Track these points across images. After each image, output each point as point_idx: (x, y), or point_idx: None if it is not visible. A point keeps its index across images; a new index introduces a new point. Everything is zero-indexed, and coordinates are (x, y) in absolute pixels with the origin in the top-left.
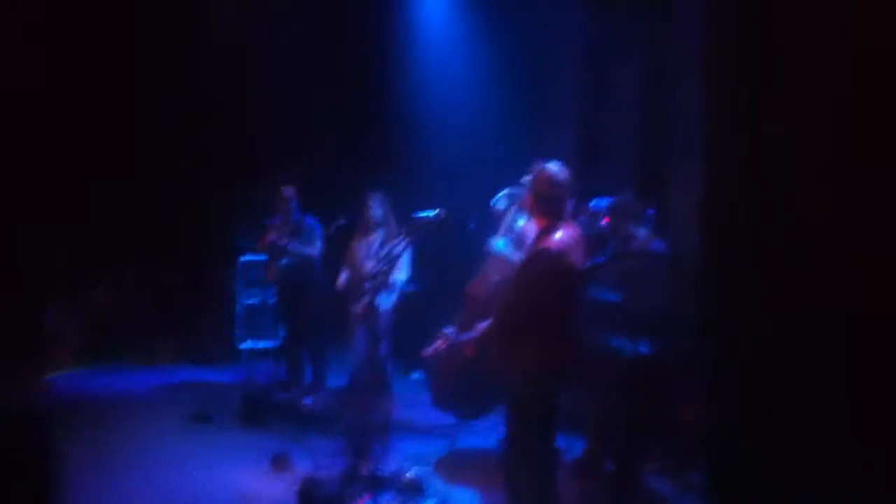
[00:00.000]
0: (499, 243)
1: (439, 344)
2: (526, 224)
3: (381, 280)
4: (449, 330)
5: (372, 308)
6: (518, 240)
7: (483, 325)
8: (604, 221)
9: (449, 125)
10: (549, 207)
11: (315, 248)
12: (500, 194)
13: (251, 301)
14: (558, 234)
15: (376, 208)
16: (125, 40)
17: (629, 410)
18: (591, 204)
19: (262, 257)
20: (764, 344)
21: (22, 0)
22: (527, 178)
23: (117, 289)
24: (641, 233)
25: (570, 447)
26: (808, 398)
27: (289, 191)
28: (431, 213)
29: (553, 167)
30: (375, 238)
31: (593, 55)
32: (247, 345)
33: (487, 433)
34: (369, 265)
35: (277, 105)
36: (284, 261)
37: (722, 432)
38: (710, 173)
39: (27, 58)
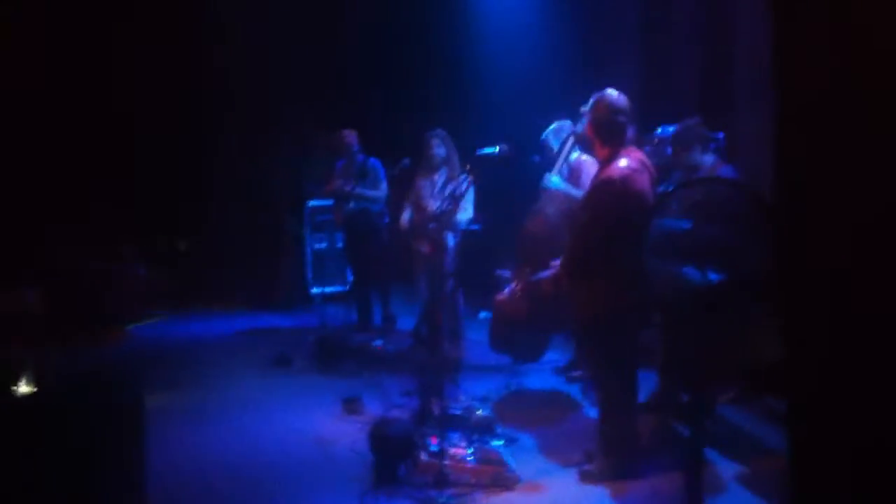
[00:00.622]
0: (553, 178)
1: (515, 285)
2: (580, 158)
3: (445, 219)
4: (504, 272)
5: (438, 247)
6: (573, 174)
7: (558, 262)
8: (670, 150)
9: (511, 58)
10: (609, 135)
11: (380, 191)
12: (550, 128)
13: (319, 246)
14: (622, 162)
15: (438, 146)
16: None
17: (699, 340)
18: (657, 132)
19: (329, 202)
20: (841, 273)
21: None
22: (585, 109)
23: (194, 238)
24: (708, 159)
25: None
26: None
27: (349, 134)
28: (493, 149)
29: (612, 94)
30: (439, 177)
31: None
32: (316, 290)
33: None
34: (433, 204)
35: (336, 51)
36: (351, 205)
37: (799, 360)
38: (782, 100)
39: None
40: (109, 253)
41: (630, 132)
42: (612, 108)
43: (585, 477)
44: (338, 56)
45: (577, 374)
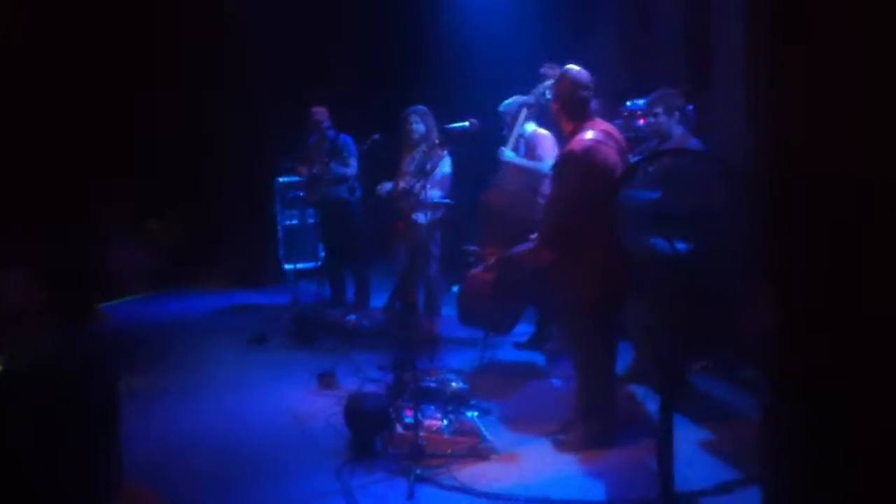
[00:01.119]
0: (507, 152)
1: (488, 259)
2: (535, 131)
3: (414, 195)
4: (472, 247)
5: (408, 223)
6: (528, 146)
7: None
8: (641, 122)
9: (487, 32)
10: (574, 110)
11: (351, 167)
12: (507, 102)
13: (290, 222)
14: (587, 134)
15: (417, 123)
16: None
17: (669, 311)
18: (627, 104)
19: (299, 178)
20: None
21: None
22: (546, 85)
23: (169, 218)
24: (678, 129)
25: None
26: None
27: (319, 111)
28: (464, 124)
29: (574, 69)
30: (418, 153)
31: None
32: (289, 266)
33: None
34: (412, 181)
35: (308, 27)
36: (323, 181)
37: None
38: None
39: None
40: (84, 231)
41: (594, 105)
42: (575, 84)
43: (560, 446)
44: (311, 33)
45: (550, 346)
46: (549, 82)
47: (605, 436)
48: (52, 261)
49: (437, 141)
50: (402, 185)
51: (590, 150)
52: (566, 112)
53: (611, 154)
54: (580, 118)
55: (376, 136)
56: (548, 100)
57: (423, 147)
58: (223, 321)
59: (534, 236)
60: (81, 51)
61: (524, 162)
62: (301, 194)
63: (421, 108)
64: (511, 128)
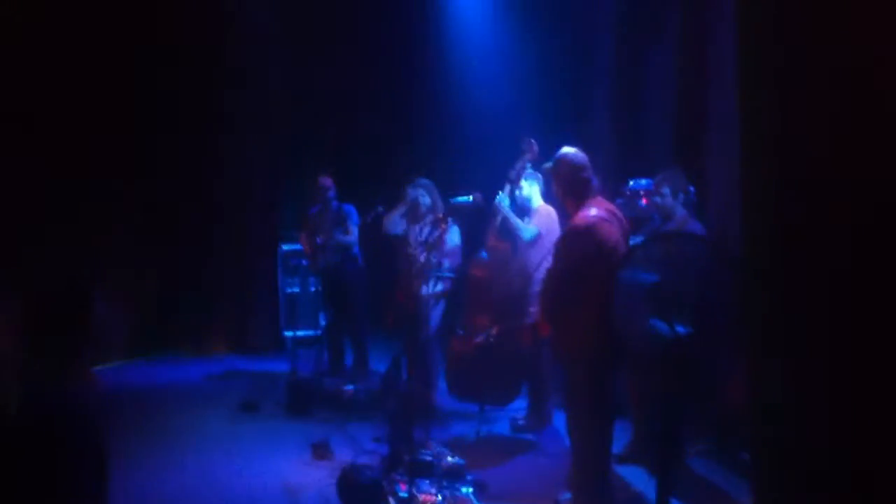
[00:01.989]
0: (504, 199)
1: (488, 331)
2: (540, 204)
3: (430, 266)
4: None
5: (410, 297)
6: (522, 208)
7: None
8: (643, 202)
9: (483, 109)
10: (576, 190)
11: (352, 235)
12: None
13: (292, 290)
14: (591, 211)
15: (424, 196)
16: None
17: (668, 393)
18: (630, 184)
19: (301, 247)
20: (804, 329)
21: None
22: (525, 159)
23: (165, 280)
24: (680, 212)
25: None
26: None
27: (326, 180)
28: (467, 198)
29: (570, 151)
30: (424, 225)
31: (629, 33)
32: (288, 333)
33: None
34: (420, 252)
35: (312, 98)
36: (327, 253)
37: (765, 412)
38: (748, 156)
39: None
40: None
41: (595, 182)
42: (574, 166)
43: None
44: (314, 101)
45: (521, 423)
46: (527, 155)
47: None
48: (39, 314)
49: (440, 214)
50: (417, 255)
51: (592, 227)
52: (570, 195)
53: (613, 232)
54: (583, 197)
55: (380, 208)
56: (528, 173)
57: (430, 219)
58: (214, 387)
59: (533, 310)
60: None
61: (510, 216)
62: (304, 262)
63: (426, 181)
64: (514, 183)
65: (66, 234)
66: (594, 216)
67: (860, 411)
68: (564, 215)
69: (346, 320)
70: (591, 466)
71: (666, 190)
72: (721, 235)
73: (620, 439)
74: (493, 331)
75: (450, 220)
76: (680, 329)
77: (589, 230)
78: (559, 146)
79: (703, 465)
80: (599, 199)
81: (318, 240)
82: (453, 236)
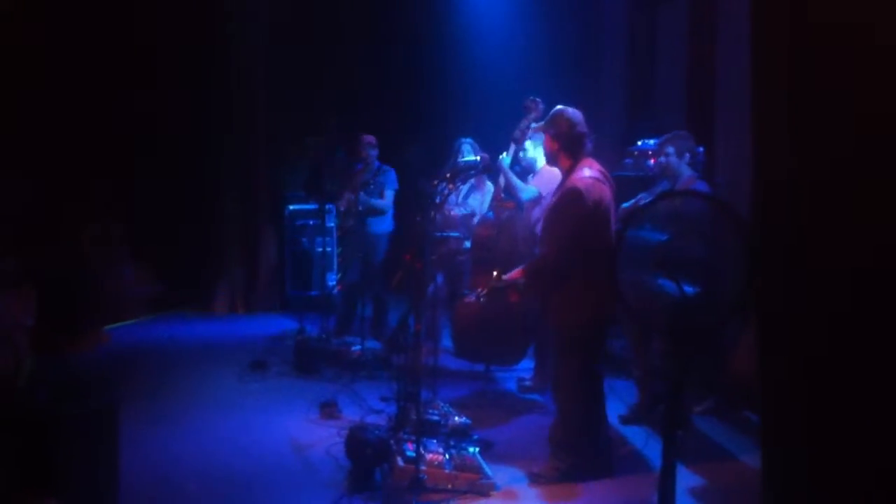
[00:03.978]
0: (506, 158)
1: (480, 290)
2: (544, 166)
3: (468, 224)
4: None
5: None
6: (526, 168)
7: (522, 269)
8: (651, 161)
9: (492, 70)
10: (571, 147)
11: (386, 199)
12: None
13: (299, 249)
14: (586, 172)
15: (467, 154)
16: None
17: (675, 352)
18: (638, 144)
19: (309, 206)
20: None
21: None
22: (529, 118)
23: (173, 241)
24: (687, 171)
25: (613, 389)
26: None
27: (369, 137)
28: (475, 158)
29: (569, 109)
30: (464, 185)
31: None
32: (296, 293)
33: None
34: (460, 211)
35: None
36: (359, 209)
37: (773, 374)
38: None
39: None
40: (89, 253)
41: (589, 143)
42: (571, 122)
43: (534, 479)
44: (324, 62)
45: (528, 383)
46: (531, 115)
47: (580, 471)
48: (51, 281)
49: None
50: (455, 213)
51: (591, 187)
52: (565, 149)
53: (606, 193)
54: (578, 155)
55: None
56: (531, 131)
57: (472, 179)
58: (224, 346)
59: (519, 269)
60: (80, 67)
61: (511, 177)
62: (311, 222)
63: (469, 139)
64: (518, 143)
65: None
66: (590, 177)
67: (866, 374)
68: None
69: (365, 282)
70: (574, 425)
71: (670, 150)
72: (731, 195)
73: (626, 400)
74: (482, 290)
75: (485, 178)
76: (687, 289)
77: (588, 190)
78: (568, 104)
79: (707, 424)
80: (591, 160)
81: (351, 197)
82: (486, 196)
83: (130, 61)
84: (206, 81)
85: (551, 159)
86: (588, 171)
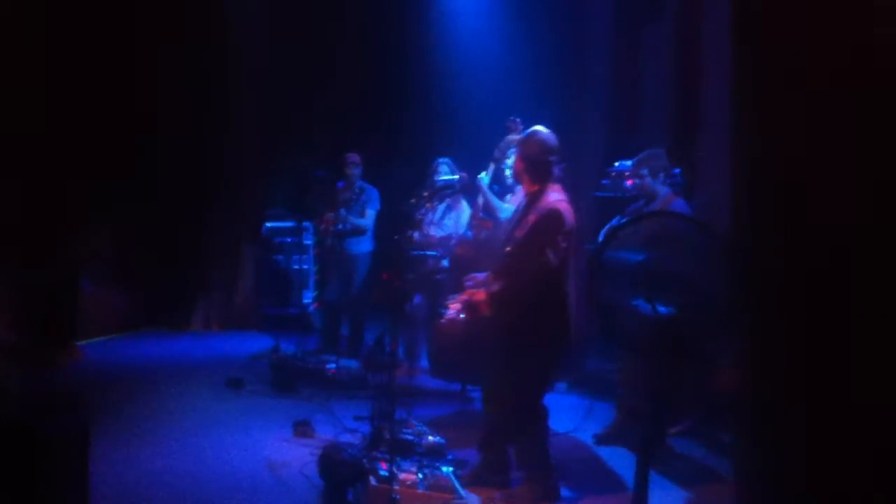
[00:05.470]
0: (485, 177)
1: (453, 308)
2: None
3: (444, 244)
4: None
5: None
6: (505, 188)
7: (491, 284)
8: (628, 182)
9: (475, 89)
10: (538, 172)
11: (367, 218)
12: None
13: (276, 268)
14: (559, 195)
15: (444, 174)
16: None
17: (652, 373)
18: (616, 165)
19: (287, 224)
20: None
21: None
22: (509, 139)
23: (151, 258)
24: (664, 190)
25: (592, 407)
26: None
27: (353, 156)
28: (453, 177)
29: (543, 132)
30: (441, 204)
31: (627, 18)
32: (272, 311)
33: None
34: (435, 231)
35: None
36: (339, 227)
37: (751, 394)
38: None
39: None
40: (59, 267)
41: (556, 171)
42: (543, 147)
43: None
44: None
45: None
46: (512, 136)
47: (555, 490)
48: (25, 294)
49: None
50: (433, 233)
51: (568, 211)
52: (529, 172)
53: (575, 218)
54: (543, 180)
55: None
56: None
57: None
58: (199, 364)
59: (482, 279)
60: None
61: (490, 196)
62: (289, 240)
63: (447, 159)
64: (498, 162)
65: (55, 216)
66: (565, 200)
67: (850, 392)
68: None
69: (344, 300)
70: (536, 443)
71: (644, 171)
72: (712, 216)
73: (602, 420)
74: (458, 310)
75: (461, 198)
76: (662, 309)
77: (567, 213)
78: (551, 125)
79: (684, 445)
80: (558, 185)
81: (331, 215)
82: (462, 215)
83: (123, 77)
84: (191, 98)
85: (516, 177)
86: (561, 195)
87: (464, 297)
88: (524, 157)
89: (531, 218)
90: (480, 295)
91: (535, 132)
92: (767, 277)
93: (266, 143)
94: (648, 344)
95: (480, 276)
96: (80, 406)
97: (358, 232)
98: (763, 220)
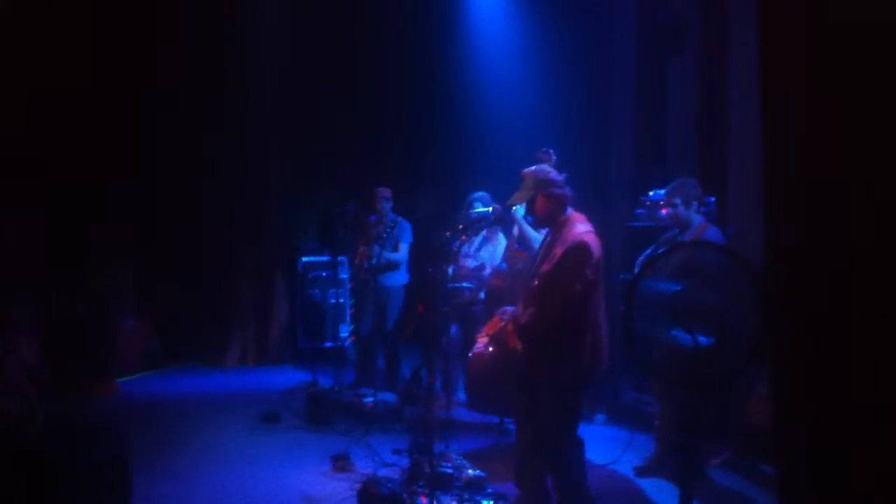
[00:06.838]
0: (521, 209)
1: (481, 342)
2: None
3: (479, 275)
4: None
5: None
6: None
7: (521, 314)
8: (663, 212)
9: (504, 120)
10: (559, 201)
11: (400, 252)
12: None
13: (312, 301)
14: (585, 226)
15: (479, 208)
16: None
17: (691, 404)
18: (650, 195)
19: (322, 258)
20: (829, 338)
21: None
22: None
23: (186, 294)
24: (697, 219)
25: (632, 439)
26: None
27: (384, 191)
28: (487, 210)
29: (544, 166)
30: (477, 237)
31: (652, 50)
32: (308, 345)
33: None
34: (471, 262)
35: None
36: (373, 262)
37: (789, 425)
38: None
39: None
40: (101, 303)
41: (569, 192)
42: (553, 178)
43: None
44: (328, 110)
45: None
46: (544, 165)
47: None
48: (63, 330)
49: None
50: (468, 265)
51: (595, 242)
52: (552, 204)
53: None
54: (564, 209)
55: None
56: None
57: (484, 231)
58: (236, 398)
59: (510, 311)
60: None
61: (525, 227)
62: (324, 274)
63: (484, 193)
64: None
65: (88, 253)
66: (591, 231)
67: (883, 419)
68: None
69: (379, 334)
70: (576, 476)
71: (677, 200)
72: (742, 245)
73: (641, 451)
74: (484, 339)
75: (497, 230)
76: (702, 339)
77: (594, 243)
78: (579, 155)
79: (724, 476)
80: (583, 216)
81: (365, 249)
82: (498, 248)
83: (152, 101)
84: (218, 128)
85: (542, 217)
86: (587, 226)
87: (489, 330)
88: (542, 192)
89: (557, 251)
90: (508, 327)
91: (538, 169)
92: (801, 306)
93: (296, 177)
94: (686, 375)
95: (511, 309)
96: (118, 441)
97: (392, 266)
98: (796, 247)
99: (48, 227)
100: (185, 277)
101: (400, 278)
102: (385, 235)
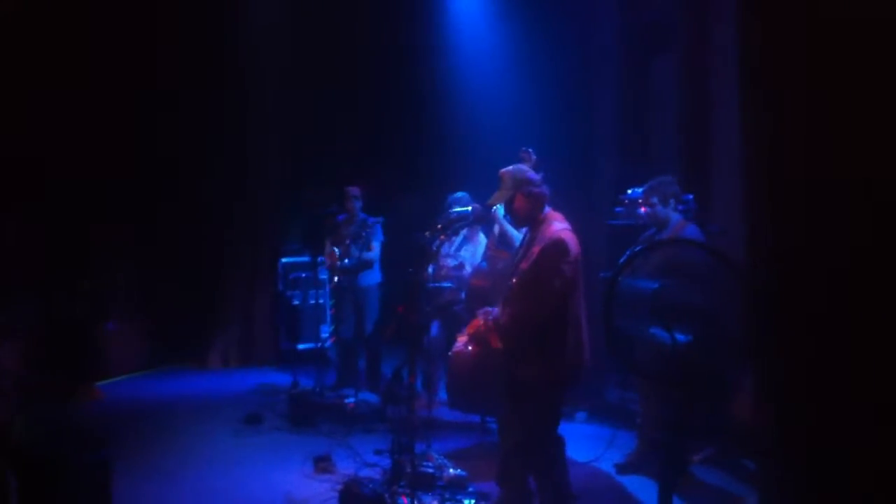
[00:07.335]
0: (501, 209)
1: (461, 341)
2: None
3: (459, 275)
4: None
5: (452, 303)
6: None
7: (501, 314)
8: (642, 210)
9: (486, 119)
10: (538, 200)
11: (372, 251)
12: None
13: (293, 303)
14: (562, 224)
15: (458, 208)
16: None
17: (675, 401)
18: (629, 193)
19: (302, 259)
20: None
21: None
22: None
23: (168, 296)
24: (674, 218)
25: (614, 437)
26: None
27: (354, 189)
28: (466, 209)
29: (521, 166)
30: (457, 237)
31: (635, 49)
32: (290, 346)
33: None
34: (451, 262)
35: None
36: (347, 262)
37: (789, 425)
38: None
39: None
40: (88, 305)
41: (546, 190)
42: (530, 177)
43: None
44: (316, 112)
45: None
46: (525, 165)
47: None
48: (46, 333)
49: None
50: (448, 264)
51: (572, 240)
52: (531, 203)
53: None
54: (541, 208)
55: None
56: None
57: (465, 230)
58: (218, 400)
59: (492, 311)
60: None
61: (506, 226)
62: (304, 275)
63: (463, 194)
64: None
65: (72, 254)
66: (568, 229)
67: (868, 416)
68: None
69: (359, 334)
70: (559, 474)
71: (654, 198)
72: (727, 243)
73: (623, 449)
74: (464, 338)
75: (478, 230)
76: (680, 337)
77: (572, 242)
78: (563, 155)
79: (707, 473)
80: (560, 215)
81: (337, 251)
82: (479, 247)
83: (152, 101)
84: (218, 128)
85: (521, 216)
86: (564, 224)
87: (470, 329)
88: (521, 192)
89: (535, 249)
90: (489, 324)
91: (516, 169)
92: (784, 302)
93: (280, 179)
94: (666, 372)
95: (494, 310)
96: (103, 441)
97: (366, 265)
98: (779, 244)
99: (36, 235)
100: (168, 280)
101: (374, 277)
102: (362, 235)
